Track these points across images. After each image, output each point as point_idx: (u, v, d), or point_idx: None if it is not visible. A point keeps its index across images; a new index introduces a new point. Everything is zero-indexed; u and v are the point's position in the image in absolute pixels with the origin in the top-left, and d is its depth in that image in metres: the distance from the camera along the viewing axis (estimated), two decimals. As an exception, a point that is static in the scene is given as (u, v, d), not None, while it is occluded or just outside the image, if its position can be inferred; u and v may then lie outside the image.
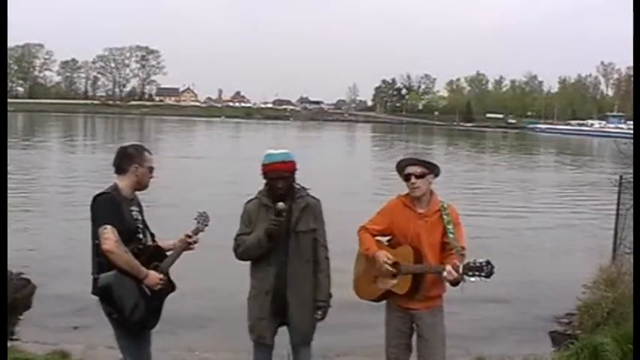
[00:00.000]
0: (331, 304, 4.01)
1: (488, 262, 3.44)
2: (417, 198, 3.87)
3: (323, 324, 4.05)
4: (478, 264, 3.44)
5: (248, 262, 4.00)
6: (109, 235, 3.40)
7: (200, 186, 18.68)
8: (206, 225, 3.92)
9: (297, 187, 3.95)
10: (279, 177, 3.83)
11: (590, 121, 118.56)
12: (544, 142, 71.47)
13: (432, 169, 3.88)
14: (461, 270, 3.50)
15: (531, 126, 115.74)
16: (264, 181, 3.94)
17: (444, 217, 3.81)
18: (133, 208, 3.68)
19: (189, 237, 3.81)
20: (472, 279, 3.45)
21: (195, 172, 23.99)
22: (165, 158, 24.23)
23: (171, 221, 5.56)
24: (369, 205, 5.05)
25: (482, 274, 3.42)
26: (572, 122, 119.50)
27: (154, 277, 3.57)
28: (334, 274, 4.05)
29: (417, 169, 3.84)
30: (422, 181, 3.85)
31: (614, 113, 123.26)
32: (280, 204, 3.75)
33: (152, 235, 3.80)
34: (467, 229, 3.96)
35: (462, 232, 3.86)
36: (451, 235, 3.75)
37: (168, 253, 3.79)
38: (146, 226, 3.79)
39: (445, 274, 3.57)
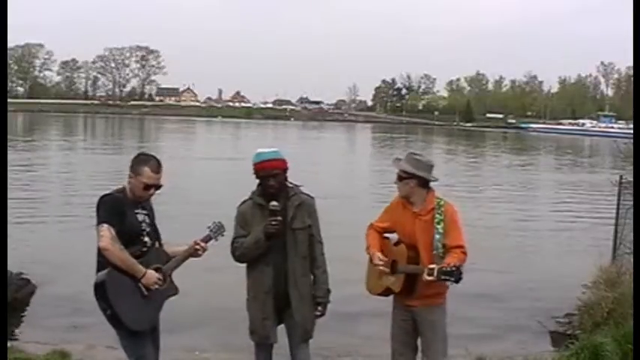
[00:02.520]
0: (330, 300, 4.04)
1: (457, 268, 3.53)
2: (405, 197, 3.92)
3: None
4: (449, 269, 3.54)
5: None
6: (105, 233, 3.45)
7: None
8: (221, 235, 3.89)
9: (290, 185, 3.98)
10: (270, 175, 3.85)
11: (581, 121, 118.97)
12: (537, 141, 71.20)
13: (412, 177, 3.85)
14: (435, 274, 3.56)
15: (524, 126, 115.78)
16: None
17: (436, 215, 3.82)
18: (138, 211, 3.67)
19: (198, 244, 3.79)
20: (447, 282, 3.60)
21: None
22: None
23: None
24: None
25: (452, 279, 3.54)
26: (564, 122, 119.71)
27: (151, 276, 3.57)
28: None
29: (398, 171, 3.92)
30: (401, 184, 3.92)
31: (606, 113, 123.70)
32: (273, 203, 3.79)
33: (158, 240, 3.79)
34: (466, 229, 3.95)
35: (457, 230, 3.84)
36: (437, 236, 3.77)
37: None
38: (155, 230, 3.78)
39: (423, 276, 3.63)
